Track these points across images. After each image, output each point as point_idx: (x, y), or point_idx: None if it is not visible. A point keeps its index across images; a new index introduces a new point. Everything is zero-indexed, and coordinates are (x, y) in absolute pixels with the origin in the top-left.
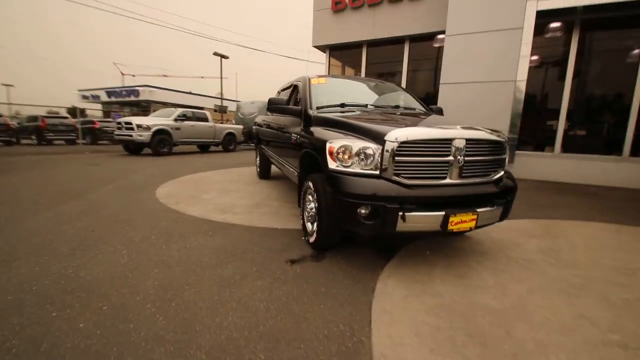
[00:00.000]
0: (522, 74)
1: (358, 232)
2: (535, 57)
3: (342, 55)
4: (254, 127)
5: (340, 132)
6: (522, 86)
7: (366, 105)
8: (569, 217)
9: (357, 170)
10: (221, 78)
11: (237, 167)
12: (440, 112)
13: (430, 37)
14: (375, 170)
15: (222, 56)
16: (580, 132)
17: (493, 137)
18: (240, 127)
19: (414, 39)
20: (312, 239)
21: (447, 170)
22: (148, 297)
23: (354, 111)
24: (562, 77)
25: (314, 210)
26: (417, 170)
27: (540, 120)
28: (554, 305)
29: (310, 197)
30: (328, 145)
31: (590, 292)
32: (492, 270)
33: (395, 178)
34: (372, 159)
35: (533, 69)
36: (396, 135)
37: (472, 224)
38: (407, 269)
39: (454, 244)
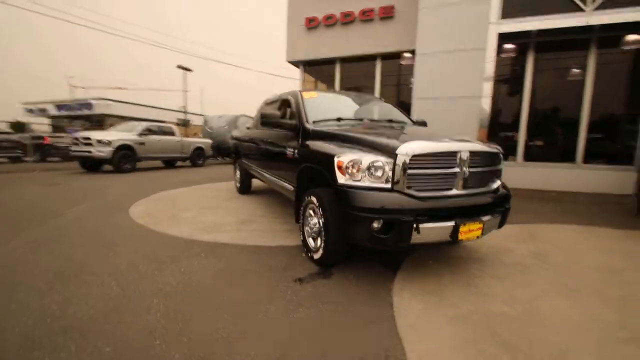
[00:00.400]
0: (487, 91)
1: (370, 246)
2: (498, 75)
3: (316, 70)
4: (232, 141)
5: (345, 146)
6: (488, 101)
7: (362, 119)
8: (540, 221)
9: (368, 184)
10: (184, 91)
11: (210, 182)
12: (424, 124)
13: (400, 54)
14: (387, 183)
15: (186, 69)
16: (539, 143)
17: (492, 149)
18: (209, 141)
19: (385, 56)
20: (317, 255)
21: (453, 181)
22: (155, 332)
23: (351, 125)
24: (521, 93)
25: (317, 225)
26: (426, 183)
27: (504, 132)
28: (562, 308)
29: (311, 212)
30: (337, 159)
31: (588, 293)
32: (495, 278)
33: (407, 191)
34: (382, 172)
35: (497, 86)
36: (408, 148)
37: (479, 232)
38: (417, 280)
39: (451, 252)
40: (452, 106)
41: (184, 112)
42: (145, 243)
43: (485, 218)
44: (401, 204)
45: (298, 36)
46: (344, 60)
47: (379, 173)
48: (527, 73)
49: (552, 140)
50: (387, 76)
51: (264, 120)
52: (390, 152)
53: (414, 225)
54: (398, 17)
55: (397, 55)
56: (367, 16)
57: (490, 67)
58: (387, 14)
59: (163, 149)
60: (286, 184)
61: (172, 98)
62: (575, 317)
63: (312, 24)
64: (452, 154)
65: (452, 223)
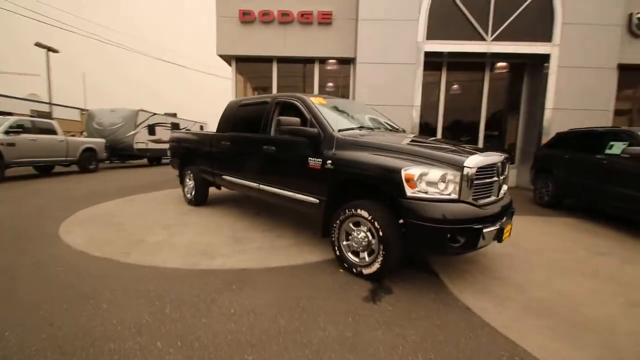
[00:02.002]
0: (417, 100)
1: (439, 255)
2: (424, 86)
3: (250, 67)
4: (173, 143)
5: (396, 157)
6: (418, 109)
7: (379, 128)
8: None
9: (438, 196)
10: (49, 76)
11: (131, 193)
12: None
13: (339, 61)
14: (454, 194)
15: (50, 49)
16: None
17: (504, 158)
18: (102, 140)
19: (324, 61)
20: (368, 270)
21: (493, 189)
22: None
23: (374, 133)
24: (438, 102)
25: (367, 239)
26: (482, 192)
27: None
28: (579, 285)
29: (355, 226)
30: (404, 172)
31: (580, 272)
32: (521, 269)
33: (471, 200)
34: (452, 184)
35: (424, 95)
36: (473, 162)
37: (509, 232)
38: (460, 282)
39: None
40: (390, 114)
41: (46, 102)
42: (142, 283)
43: (511, 219)
44: (470, 214)
45: (231, 29)
46: (282, 60)
47: (449, 185)
48: (441, 84)
49: (461, 140)
50: (326, 79)
51: (283, 127)
52: (458, 165)
53: (482, 232)
54: (336, 24)
55: (335, 61)
56: (306, 19)
57: (419, 80)
58: (326, 19)
59: (42, 150)
60: (304, 197)
61: (26, 84)
62: (587, 293)
63: (246, 17)
64: (494, 165)
65: (497, 226)
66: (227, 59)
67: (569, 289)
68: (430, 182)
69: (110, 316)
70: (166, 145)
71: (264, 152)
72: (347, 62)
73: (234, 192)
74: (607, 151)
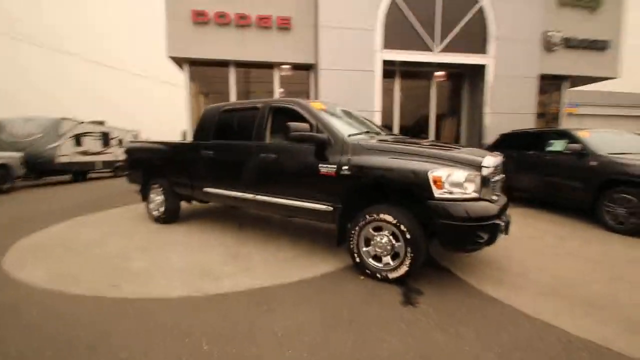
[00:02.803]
0: (378, 105)
1: (467, 252)
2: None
3: (205, 72)
4: (133, 155)
5: (419, 161)
6: (379, 115)
7: (378, 133)
8: None
9: (462, 196)
10: None
11: (73, 215)
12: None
13: (299, 67)
14: (475, 193)
15: None
16: None
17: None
18: (17, 154)
19: (286, 66)
20: (395, 274)
21: (498, 186)
22: None
23: (383, 138)
24: (393, 106)
25: (391, 243)
26: (492, 189)
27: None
28: (572, 265)
29: (372, 230)
30: (431, 174)
31: (561, 254)
32: (514, 258)
33: (488, 198)
34: (473, 184)
35: (386, 99)
36: (489, 162)
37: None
38: (473, 273)
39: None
40: None
41: None
42: (149, 320)
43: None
44: (490, 210)
45: (183, 30)
46: (240, 64)
47: (471, 185)
48: (395, 89)
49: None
50: (285, 86)
51: (294, 133)
52: (477, 165)
53: (500, 226)
54: (295, 30)
55: (295, 66)
56: (265, 23)
57: (378, 86)
58: (285, 24)
59: None
60: (315, 205)
61: None
62: (576, 273)
63: (200, 18)
64: (499, 165)
65: (505, 220)
66: (179, 62)
67: (560, 272)
68: (455, 182)
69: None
70: (95, 158)
71: (261, 160)
72: (306, 68)
73: (205, 206)
74: (549, 148)
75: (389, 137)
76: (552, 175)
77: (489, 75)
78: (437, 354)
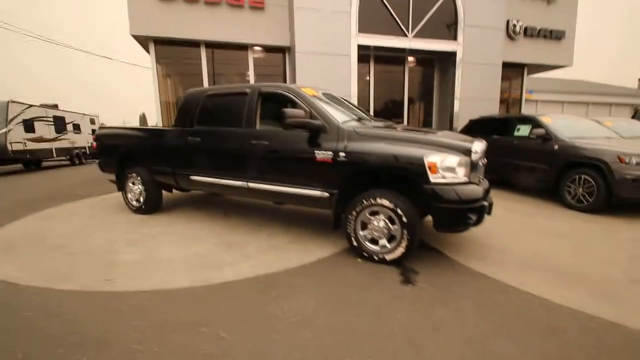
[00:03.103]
0: (354, 90)
1: (459, 232)
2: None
3: (173, 52)
4: (105, 141)
5: (414, 147)
6: (355, 99)
7: (366, 119)
8: None
9: (455, 180)
10: None
11: (39, 208)
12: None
13: (274, 49)
14: (465, 177)
15: None
16: None
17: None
18: None
19: (260, 48)
20: (392, 256)
21: (481, 170)
22: None
23: (374, 124)
24: (369, 90)
25: (387, 227)
26: (478, 173)
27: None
28: (556, 244)
29: (369, 215)
30: (427, 160)
31: (532, 231)
32: (492, 236)
33: (476, 181)
34: (464, 168)
35: (360, 83)
36: (478, 147)
37: None
38: (464, 253)
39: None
40: None
41: None
42: (156, 313)
43: None
44: (478, 193)
45: (147, 6)
46: (211, 45)
47: (462, 169)
48: (370, 76)
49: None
50: (259, 69)
51: (290, 120)
52: (466, 151)
53: (486, 207)
54: (269, 10)
55: (270, 48)
56: (236, 1)
57: (354, 71)
58: (257, 4)
59: None
60: (311, 192)
61: None
62: (551, 248)
63: None
64: (484, 150)
65: (489, 201)
66: (144, 41)
67: (533, 247)
68: (448, 167)
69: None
70: (50, 145)
71: (253, 147)
72: (280, 50)
73: (185, 194)
74: (516, 133)
75: (379, 124)
76: (518, 159)
77: (459, 62)
78: (444, 325)
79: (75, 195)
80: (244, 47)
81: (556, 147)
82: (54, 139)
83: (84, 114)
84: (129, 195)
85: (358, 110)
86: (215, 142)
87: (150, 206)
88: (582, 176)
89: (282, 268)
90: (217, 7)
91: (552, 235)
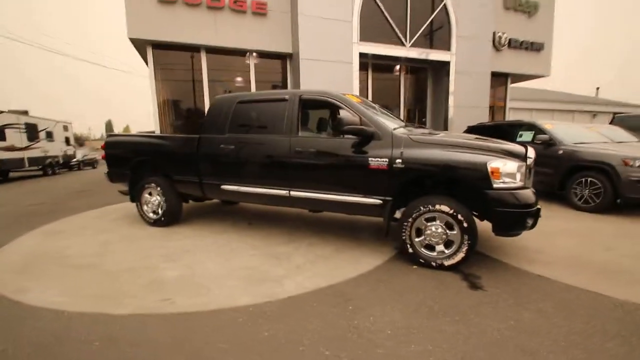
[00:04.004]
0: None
1: (514, 236)
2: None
3: (172, 57)
4: (116, 150)
5: (474, 153)
6: None
7: (407, 125)
8: None
9: (514, 185)
10: None
11: (34, 225)
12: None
13: (275, 55)
14: (521, 182)
15: None
16: None
17: None
18: None
19: (258, 54)
20: (451, 261)
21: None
22: None
23: (423, 131)
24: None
25: (445, 233)
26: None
27: None
28: (579, 243)
29: (424, 221)
30: (490, 166)
31: (549, 232)
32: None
33: (530, 186)
34: (521, 174)
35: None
36: (532, 153)
37: None
38: (511, 256)
39: None
40: None
41: None
42: (237, 334)
43: None
44: (533, 197)
45: (146, 8)
46: (212, 50)
47: (520, 175)
48: (369, 83)
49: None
50: (260, 75)
51: (347, 127)
52: (522, 156)
53: (540, 211)
54: (272, 16)
55: (272, 55)
56: (238, 6)
57: (356, 78)
58: (260, 10)
59: None
60: (364, 199)
61: None
62: (576, 247)
63: None
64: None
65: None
66: (142, 44)
67: (568, 247)
68: (508, 172)
69: None
70: (21, 154)
71: (299, 155)
72: (282, 57)
73: (193, 205)
74: (518, 139)
75: (424, 130)
76: None
77: (452, 71)
78: (539, 328)
79: (72, 208)
80: (244, 53)
81: (560, 152)
82: (26, 148)
83: (57, 121)
84: (145, 208)
85: (393, 117)
86: (254, 150)
87: (171, 218)
88: (589, 179)
89: (341, 279)
90: (219, 11)
91: (574, 235)
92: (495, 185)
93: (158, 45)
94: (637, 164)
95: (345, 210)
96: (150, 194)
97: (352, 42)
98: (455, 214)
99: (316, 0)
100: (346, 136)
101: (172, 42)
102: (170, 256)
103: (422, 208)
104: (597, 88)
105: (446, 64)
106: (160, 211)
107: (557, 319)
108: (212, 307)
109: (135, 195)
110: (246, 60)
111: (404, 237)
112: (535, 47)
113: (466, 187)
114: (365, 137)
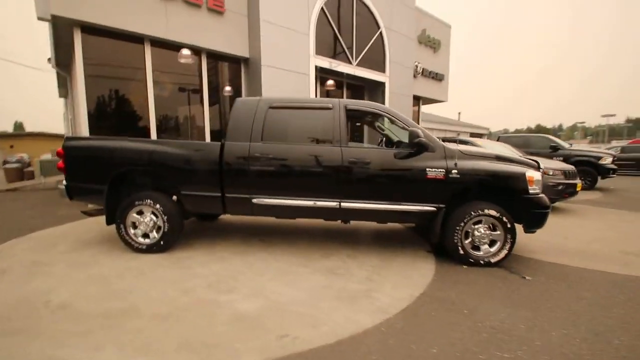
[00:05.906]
0: None
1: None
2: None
3: (106, 45)
4: (78, 156)
5: (511, 164)
6: None
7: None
8: None
9: (538, 190)
10: None
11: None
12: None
13: (231, 59)
14: (540, 188)
15: None
16: None
17: None
18: None
19: (214, 55)
20: (497, 258)
21: None
22: None
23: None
24: None
25: (489, 234)
26: None
27: None
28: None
29: (472, 225)
30: (528, 175)
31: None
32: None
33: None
34: (542, 181)
35: None
36: (542, 164)
37: None
38: (530, 250)
39: None
40: None
41: None
42: None
43: None
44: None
45: None
46: (158, 43)
47: (541, 182)
48: (317, 92)
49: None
50: (213, 77)
51: (419, 140)
52: (538, 167)
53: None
54: (229, 16)
55: (228, 58)
56: None
57: (312, 89)
58: (217, 7)
59: None
60: (419, 207)
61: None
62: (589, 242)
63: None
64: None
65: None
66: (67, 23)
67: (579, 239)
68: (537, 180)
69: None
70: None
71: (352, 166)
72: (237, 61)
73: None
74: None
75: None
76: None
77: (387, 90)
78: (611, 310)
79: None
80: (197, 52)
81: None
82: None
83: None
84: (132, 231)
85: None
86: (298, 160)
87: (172, 241)
88: None
89: (424, 285)
90: (171, 1)
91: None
92: (531, 191)
93: (89, 29)
94: (550, 173)
95: (398, 218)
96: (140, 212)
97: (309, 54)
98: (501, 216)
99: (278, 9)
100: (399, 147)
101: (110, 28)
102: (216, 285)
103: (472, 213)
104: (459, 113)
105: (381, 84)
106: (156, 234)
107: (614, 308)
108: (336, 338)
109: (117, 216)
110: (206, 61)
111: (455, 241)
112: (438, 77)
113: (508, 193)
114: (423, 149)
